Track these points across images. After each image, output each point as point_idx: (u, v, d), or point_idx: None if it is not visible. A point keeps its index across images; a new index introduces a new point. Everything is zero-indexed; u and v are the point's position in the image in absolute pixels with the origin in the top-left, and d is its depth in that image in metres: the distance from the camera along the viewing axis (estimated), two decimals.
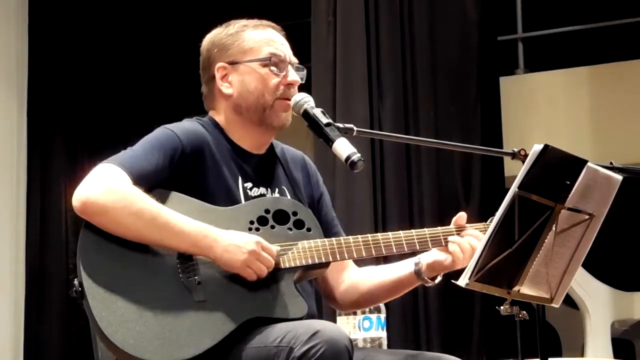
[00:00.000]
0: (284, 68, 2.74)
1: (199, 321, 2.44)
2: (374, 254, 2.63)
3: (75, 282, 2.47)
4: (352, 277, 2.84)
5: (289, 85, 2.72)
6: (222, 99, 2.76)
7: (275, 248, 2.55)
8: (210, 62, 2.77)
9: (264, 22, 2.81)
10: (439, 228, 2.67)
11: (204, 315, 2.45)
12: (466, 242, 2.63)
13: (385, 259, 2.98)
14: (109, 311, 2.41)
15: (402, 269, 2.76)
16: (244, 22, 2.80)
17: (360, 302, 2.88)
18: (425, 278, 2.70)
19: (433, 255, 2.69)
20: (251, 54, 2.74)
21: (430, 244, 2.65)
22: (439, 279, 2.71)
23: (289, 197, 2.75)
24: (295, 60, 2.79)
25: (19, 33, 6.13)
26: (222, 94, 2.75)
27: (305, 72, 2.80)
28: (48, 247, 6.14)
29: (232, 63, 2.74)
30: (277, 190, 2.75)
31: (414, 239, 2.65)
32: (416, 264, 2.72)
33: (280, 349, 2.35)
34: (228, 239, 2.50)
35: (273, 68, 2.72)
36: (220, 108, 2.77)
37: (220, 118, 2.76)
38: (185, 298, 2.47)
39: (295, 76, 2.74)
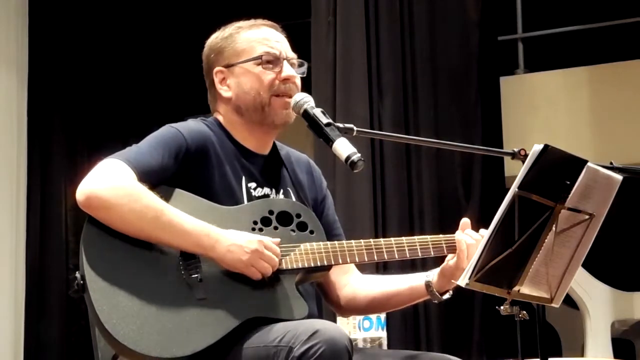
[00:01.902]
0: (278, 64, 2.72)
1: (199, 319, 2.44)
2: (376, 258, 2.62)
3: (77, 274, 2.46)
4: (354, 283, 2.82)
5: (285, 80, 2.70)
6: (223, 103, 2.76)
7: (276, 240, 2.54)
8: (209, 68, 2.78)
9: (259, 21, 2.80)
10: (440, 236, 2.66)
11: (204, 313, 2.45)
12: (467, 236, 2.62)
13: (385, 266, 2.98)
14: (110, 305, 2.41)
15: (411, 280, 2.74)
16: (239, 24, 2.79)
17: (362, 309, 2.86)
18: (434, 291, 2.68)
19: (442, 265, 2.67)
20: (245, 54, 2.73)
21: (432, 251, 2.65)
22: (447, 295, 2.68)
23: (293, 198, 2.74)
24: (292, 55, 2.76)
25: (19, 32, 6.12)
26: (222, 98, 2.75)
27: (305, 67, 2.78)
28: (48, 247, 6.13)
29: (228, 66, 2.74)
30: (282, 191, 2.74)
31: (415, 246, 2.64)
32: (427, 276, 2.70)
33: (279, 348, 2.35)
34: (230, 238, 2.50)
35: (267, 65, 2.71)
36: (223, 111, 2.76)
37: (223, 120, 2.76)
38: (186, 295, 2.47)
39: (290, 71, 2.72)
